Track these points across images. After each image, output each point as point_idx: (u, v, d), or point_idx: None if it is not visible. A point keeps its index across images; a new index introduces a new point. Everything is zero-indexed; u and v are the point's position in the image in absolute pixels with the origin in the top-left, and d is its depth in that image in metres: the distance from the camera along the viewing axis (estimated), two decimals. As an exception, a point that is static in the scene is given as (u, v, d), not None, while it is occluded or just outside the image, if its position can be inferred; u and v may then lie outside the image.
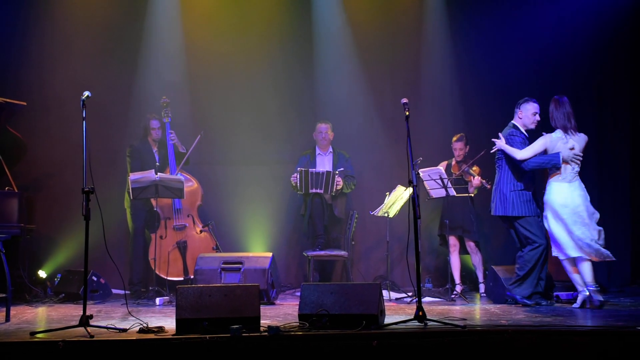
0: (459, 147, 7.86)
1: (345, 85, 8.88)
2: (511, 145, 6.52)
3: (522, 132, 6.61)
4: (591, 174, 8.43)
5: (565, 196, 6.33)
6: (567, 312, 6.04)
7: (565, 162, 6.36)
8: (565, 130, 6.39)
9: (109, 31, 8.57)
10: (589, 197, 6.39)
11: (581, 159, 6.40)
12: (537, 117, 6.60)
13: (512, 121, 6.70)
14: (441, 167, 7.53)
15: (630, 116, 8.51)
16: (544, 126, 6.68)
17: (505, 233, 8.30)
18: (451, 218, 7.58)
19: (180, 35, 8.74)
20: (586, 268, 6.28)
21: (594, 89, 8.61)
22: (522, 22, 8.63)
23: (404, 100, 5.61)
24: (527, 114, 6.60)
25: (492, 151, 6.75)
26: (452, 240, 7.76)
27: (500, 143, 6.56)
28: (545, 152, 6.43)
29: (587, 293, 6.23)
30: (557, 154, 6.35)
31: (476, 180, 7.58)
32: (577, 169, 6.39)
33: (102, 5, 8.57)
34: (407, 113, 5.52)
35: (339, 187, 7.87)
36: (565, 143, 6.39)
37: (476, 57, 8.76)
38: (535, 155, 6.42)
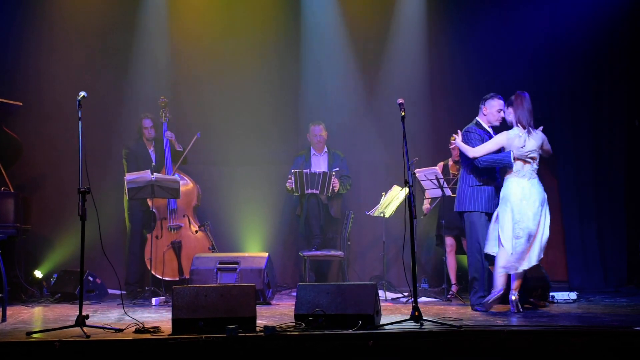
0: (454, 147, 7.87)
1: (340, 85, 8.87)
2: (467, 142, 6.34)
3: (483, 129, 6.44)
4: (586, 174, 8.47)
5: (525, 192, 6.15)
6: (563, 312, 6.05)
7: (521, 160, 6.18)
8: (525, 128, 6.22)
9: (104, 31, 8.57)
10: (544, 199, 6.20)
11: (537, 156, 6.20)
12: (502, 114, 6.42)
13: (476, 117, 6.55)
14: (437, 168, 7.55)
15: (626, 115, 8.51)
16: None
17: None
18: (448, 218, 7.58)
19: (175, 36, 8.73)
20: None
21: (590, 87, 8.60)
22: (518, 19, 8.62)
23: (400, 100, 5.61)
24: (491, 111, 6.44)
25: (450, 147, 6.66)
26: (449, 241, 7.77)
27: (457, 140, 6.42)
28: (502, 150, 6.25)
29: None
30: (508, 152, 6.17)
31: None
32: (535, 166, 6.21)
33: (98, 5, 8.56)
34: (403, 113, 5.52)
35: (335, 189, 7.86)
36: (523, 141, 6.19)
37: (471, 56, 8.76)
38: (488, 154, 6.23)
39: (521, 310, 6.00)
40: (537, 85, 8.44)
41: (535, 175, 6.21)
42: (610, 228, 8.40)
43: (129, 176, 7.19)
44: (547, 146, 6.34)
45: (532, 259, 6.11)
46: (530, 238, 6.10)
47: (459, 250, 7.83)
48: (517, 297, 6.06)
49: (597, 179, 8.48)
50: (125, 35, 8.60)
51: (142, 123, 7.89)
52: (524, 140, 6.18)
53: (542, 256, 6.19)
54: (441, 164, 7.89)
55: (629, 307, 6.35)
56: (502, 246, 6.11)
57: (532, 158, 6.18)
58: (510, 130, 6.28)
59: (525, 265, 6.10)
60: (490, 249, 6.24)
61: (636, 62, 8.38)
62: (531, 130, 6.21)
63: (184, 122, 8.44)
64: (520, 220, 6.08)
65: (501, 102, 6.46)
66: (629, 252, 8.31)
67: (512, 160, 6.17)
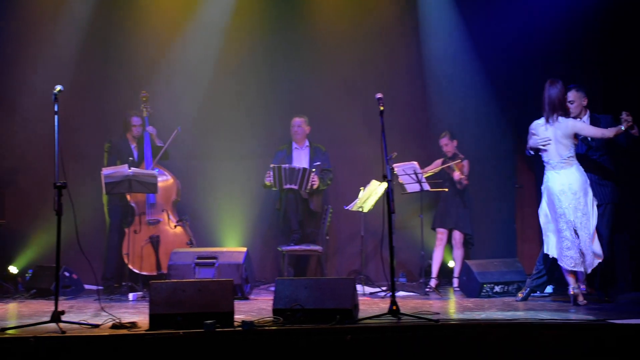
0: (444, 144, 8.00)
1: (321, 79, 8.87)
2: None
3: None
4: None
5: (558, 184, 6.24)
6: (539, 306, 6.11)
7: (544, 150, 6.33)
8: (546, 117, 6.34)
9: (82, 24, 8.48)
10: (581, 189, 6.22)
11: (564, 145, 6.24)
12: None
13: None
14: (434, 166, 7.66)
15: (602, 110, 8.57)
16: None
17: (487, 230, 8.43)
18: (444, 211, 7.78)
19: (155, 30, 8.67)
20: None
21: (565, 81, 8.65)
22: (492, 13, 8.65)
23: (379, 95, 5.64)
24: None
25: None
26: (440, 231, 7.90)
27: None
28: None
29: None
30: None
31: (455, 175, 7.70)
32: (566, 154, 6.24)
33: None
34: (382, 108, 5.55)
35: (314, 186, 7.86)
36: (540, 130, 6.35)
37: (449, 49, 8.82)
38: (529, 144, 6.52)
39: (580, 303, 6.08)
40: (512, 78, 8.51)
41: (571, 165, 6.23)
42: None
43: (105, 170, 7.14)
44: (584, 133, 6.33)
45: (589, 252, 6.16)
46: (576, 231, 6.16)
47: (449, 244, 7.95)
48: (578, 290, 6.14)
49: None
50: (104, 28, 8.53)
51: (130, 120, 7.85)
52: (541, 130, 6.32)
53: (597, 248, 6.22)
54: (439, 161, 8.00)
55: (605, 301, 6.42)
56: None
57: (544, 146, 6.28)
58: (537, 120, 6.43)
59: (587, 260, 6.15)
60: (550, 249, 6.38)
61: (612, 57, 8.44)
62: (551, 119, 6.28)
63: (164, 116, 8.38)
64: (562, 214, 6.19)
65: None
66: (603, 248, 8.37)
67: (528, 150, 6.40)
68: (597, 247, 6.24)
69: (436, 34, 8.89)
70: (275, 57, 8.87)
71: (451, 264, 8.11)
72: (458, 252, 7.89)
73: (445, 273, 8.24)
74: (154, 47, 8.67)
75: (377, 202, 7.58)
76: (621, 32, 8.06)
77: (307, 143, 8.23)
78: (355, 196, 7.70)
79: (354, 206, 7.67)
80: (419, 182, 7.38)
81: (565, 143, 6.25)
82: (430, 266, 8.03)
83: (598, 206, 6.42)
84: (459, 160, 7.84)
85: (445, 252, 8.04)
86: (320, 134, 8.52)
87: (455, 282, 7.80)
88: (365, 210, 7.66)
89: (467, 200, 7.96)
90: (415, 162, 7.47)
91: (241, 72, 8.78)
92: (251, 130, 8.76)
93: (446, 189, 7.82)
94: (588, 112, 6.69)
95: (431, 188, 7.56)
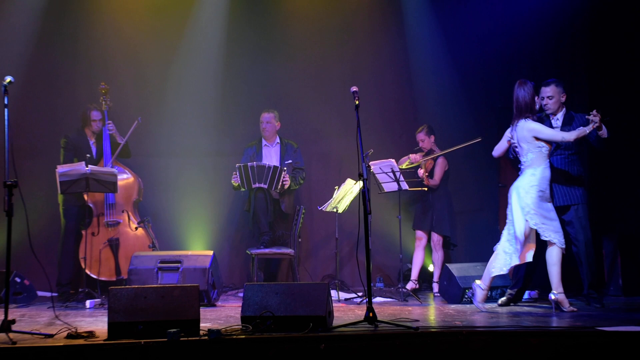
0: (420, 139, 8.06)
1: (293, 71, 8.86)
2: None
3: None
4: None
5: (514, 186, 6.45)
6: (524, 312, 6.16)
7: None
8: (512, 120, 6.49)
9: (36, 13, 8.37)
10: (522, 195, 6.31)
11: (521, 149, 6.36)
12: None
13: None
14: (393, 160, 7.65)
15: (589, 107, 8.66)
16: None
17: (468, 232, 8.50)
18: (423, 212, 7.90)
19: (115, 19, 8.62)
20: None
21: (550, 77, 8.75)
22: (476, 6, 8.76)
23: (354, 88, 5.64)
24: None
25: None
26: (419, 233, 7.98)
27: None
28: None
29: None
30: None
31: (419, 172, 7.78)
32: (522, 159, 6.40)
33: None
34: (357, 102, 5.55)
35: (285, 186, 7.84)
36: (509, 132, 6.54)
37: (428, 43, 8.88)
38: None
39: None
40: (495, 74, 8.58)
41: (526, 168, 6.35)
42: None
43: (60, 168, 7.06)
44: (542, 137, 6.33)
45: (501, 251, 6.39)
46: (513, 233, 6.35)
47: (429, 246, 8.01)
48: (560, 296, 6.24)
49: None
50: (60, 17, 8.45)
51: (90, 114, 7.77)
52: (507, 132, 6.53)
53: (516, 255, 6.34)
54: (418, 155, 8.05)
55: (592, 307, 6.48)
56: None
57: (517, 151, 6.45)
58: None
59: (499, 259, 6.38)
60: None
61: (597, 48, 8.53)
62: (516, 121, 6.40)
63: (125, 110, 8.31)
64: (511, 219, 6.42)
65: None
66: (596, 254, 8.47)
67: (510, 153, 6.65)
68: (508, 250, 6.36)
69: (417, 26, 8.94)
70: (244, 48, 8.85)
71: (431, 267, 8.16)
72: (437, 254, 7.95)
73: (425, 277, 8.28)
74: (112, 38, 8.60)
75: (352, 202, 7.59)
76: (606, 30, 8.20)
77: (277, 139, 8.21)
78: (330, 196, 7.70)
79: (328, 206, 7.67)
80: (397, 180, 7.40)
81: (524, 146, 6.36)
82: (409, 270, 8.07)
83: (567, 207, 6.59)
84: (430, 160, 7.89)
85: (426, 255, 8.09)
86: (292, 130, 8.51)
87: (436, 287, 7.84)
88: (340, 210, 7.66)
89: (447, 200, 8.00)
90: (393, 160, 7.50)
91: (207, 63, 8.74)
92: (218, 125, 8.74)
93: (425, 188, 7.86)
94: (564, 109, 6.78)
95: (410, 187, 7.59)
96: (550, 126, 6.62)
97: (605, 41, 8.27)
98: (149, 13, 8.67)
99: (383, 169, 7.41)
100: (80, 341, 4.65)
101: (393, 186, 7.49)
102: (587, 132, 6.21)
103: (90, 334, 4.80)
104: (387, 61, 9.03)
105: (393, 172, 7.37)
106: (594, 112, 6.22)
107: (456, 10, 8.88)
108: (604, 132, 6.33)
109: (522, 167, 6.42)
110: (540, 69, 8.56)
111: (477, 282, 6.41)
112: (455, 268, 7.19)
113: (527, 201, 6.24)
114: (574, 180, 6.69)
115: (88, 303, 6.85)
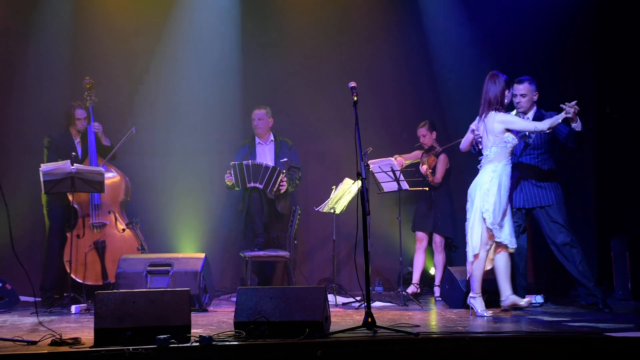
0: (422, 134, 8.04)
1: (288, 66, 8.85)
2: None
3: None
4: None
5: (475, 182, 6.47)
6: (528, 317, 6.15)
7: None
8: (480, 113, 6.50)
9: (20, 6, 8.38)
10: (483, 192, 6.33)
11: (486, 142, 6.36)
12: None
13: None
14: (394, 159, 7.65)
15: (594, 100, 8.67)
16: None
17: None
18: (424, 212, 7.90)
19: (102, 14, 8.62)
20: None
21: (555, 70, 8.74)
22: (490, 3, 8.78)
23: (352, 84, 5.62)
24: None
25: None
26: (420, 235, 7.98)
27: None
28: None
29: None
30: None
31: (422, 168, 7.75)
32: (485, 152, 6.40)
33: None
34: (355, 98, 5.53)
35: (282, 190, 7.81)
36: (476, 124, 6.54)
37: (431, 37, 8.88)
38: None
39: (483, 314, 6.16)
40: (498, 67, 8.55)
41: (485, 164, 6.37)
42: (579, 227, 8.53)
43: (45, 167, 7.04)
44: (514, 127, 6.33)
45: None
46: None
47: (430, 248, 8.00)
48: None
49: (566, 175, 8.60)
50: (41, 10, 8.43)
51: (74, 113, 7.76)
52: (474, 125, 6.53)
53: (471, 258, 6.36)
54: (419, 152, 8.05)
55: (600, 312, 6.47)
56: None
57: (481, 144, 6.44)
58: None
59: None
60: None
61: (604, 43, 8.53)
62: (484, 114, 6.39)
63: (112, 107, 8.31)
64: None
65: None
66: (599, 253, 8.47)
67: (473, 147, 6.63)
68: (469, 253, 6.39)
69: (418, 19, 8.96)
70: (237, 43, 8.84)
71: (432, 271, 8.15)
72: (439, 257, 7.95)
73: (426, 280, 8.28)
74: (100, 34, 8.61)
75: (350, 203, 7.58)
76: (615, 23, 8.23)
77: (271, 137, 8.19)
78: (327, 196, 7.69)
79: (325, 207, 7.66)
80: (397, 180, 7.39)
81: (490, 139, 6.34)
82: (410, 273, 8.06)
83: (540, 208, 6.64)
84: (432, 155, 7.89)
85: (427, 257, 8.08)
86: (287, 127, 8.49)
87: (437, 290, 7.84)
88: (338, 211, 7.66)
89: (449, 200, 7.99)
90: (393, 158, 7.48)
91: (199, 58, 8.75)
92: (211, 122, 8.74)
93: (426, 188, 7.85)
94: (535, 107, 6.81)
95: (410, 187, 7.58)
96: None
97: (614, 35, 8.26)
98: (139, 8, 8.68)
99: (382, 167, 7.40)
100: (65, 348, 4.63)
101: (393, 186, 7.48)
102: (560, 120, 6.16)
103: (76, 341, 4.78)
104: (386, 55, 9.02)
105: (393, 171, 7.36)
106: (571, 103, 6.16)
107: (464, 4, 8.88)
108: (577, 125, 6.29)
109: (482, 160, 6.41)
110: (542, 58, 8.58)
111: (470, 296, 6.36)
112: (457, 271, 7.17)
113: (488, 199, 6.24)
114: (545, 180, 6.70)
115: (73, 308, 6.83)
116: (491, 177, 6.27)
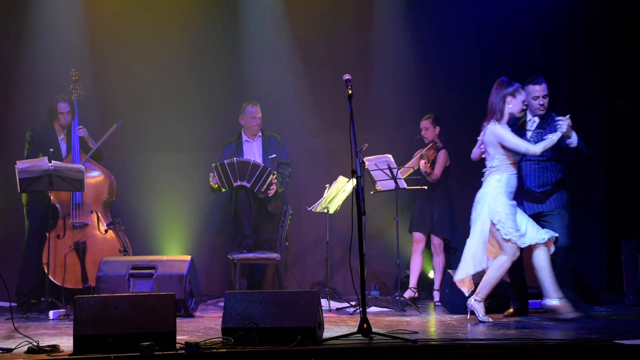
0: (424, 127, 8.05)
1: (274, 59, 8.84)
2: None
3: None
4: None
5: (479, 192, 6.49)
6: (534, 323, 6.14)
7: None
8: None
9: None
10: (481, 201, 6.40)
11: (489, 153, 6.39)
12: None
13: None
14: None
15: (604, 94, 8.67)
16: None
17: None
18: (422, 212, 7.90)
19: (90, 6, 8.61)
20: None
21: (565, 64, 8.76)
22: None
23: (346, 76, 5.60)
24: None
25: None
26: (417, 236, 7.99)
27: None
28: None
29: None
30: None
31: (422, 163, 7.75)
32: (488, 163, 6.43)
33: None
34: (350, 91, 5.51)
35: (271, 192, 7.78)
36: (482, 135, 6.53)
37: (431, 33, 8.90)
38: None
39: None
40: (504, 65, 8.58)
41: (489, 174, 6.37)
42: (588, 228, 8.56)
43: (21, 164, 7.01)
44: (506, 145, 6.30)
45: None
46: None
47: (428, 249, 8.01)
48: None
49: (575, 176, 8.61)
50: (28, 2, 8.43)
51: (57, 107, 7.74)
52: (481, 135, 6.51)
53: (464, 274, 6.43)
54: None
55: (608, 317, 6.47)
56: None
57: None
58: None
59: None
60: None
61: (616, 36, 8.54)
62: (486, 123, 6.42)
63: (96, 103, 8.28)
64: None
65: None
66: (609, 255, 8.47)
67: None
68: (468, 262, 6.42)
69: (416, 9, 8.94)
70: (222, 35, 8.85)
71: (432, 274, 8.14)
72: (438, 259, 7.94)
73: (425, 284, 8.27)
74: (85, 28, 8.59)
75: (345, 202, 7.58)
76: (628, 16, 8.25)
77: (259, 133, 8.15)
78: (320, 195, 7.69)
79: (318, 207, 7.65)
80: (394, 178, 7.38)
81: (490, 151, 6.37)
82: (407, 277, 8.05)
83: (539, 214, 6.60)
84: (432, 149, 7.89)
85: (425, 259, 8.07)
86: (275, 122, 8.47)
87: (436, 295, 7.83)
88: (332, 211, 7.65)
89: (448, 199, 7.97)
90: (389, 155, 7.46)
91: (185, 52, 8.77)
92: (196, 118, 8.75)
93: (425, 187, 7.83)
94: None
95: (408, 186, 7.57)
96: (524, 129, 6.61)
97: (626, 28, 8.29)
98: (125, 2, 8.63)
99: (379, 165, 7.38)
100: (43, 356, 4.61)
101: (390, 184, 7.47)
102: (556, 140, 6.20)
103: (54, 348, 4.76)
104: (382, 46, 9.00)
105: (390, 168, 7.34)
106: (565, 117, 6.18)
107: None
108: (572, 141, 6.30)
109: (486, 172, 6.42)
110: (552, 53, 8.59)
111: (471, 299, 6.35)
112: (458, 275, 7.18)
113: (497, 209, 6.23)
114: (546, 187, 6.67)
115: (51, 314, 6.82)
116: (496, 187, 6.28)
